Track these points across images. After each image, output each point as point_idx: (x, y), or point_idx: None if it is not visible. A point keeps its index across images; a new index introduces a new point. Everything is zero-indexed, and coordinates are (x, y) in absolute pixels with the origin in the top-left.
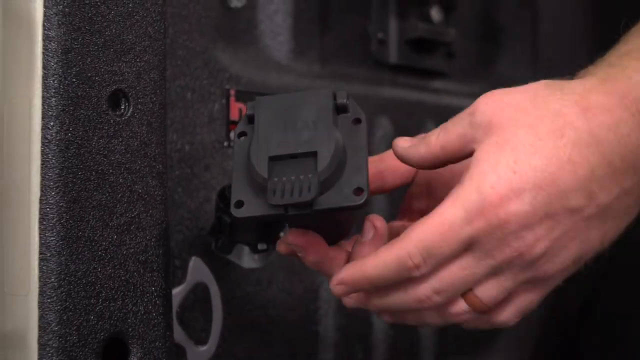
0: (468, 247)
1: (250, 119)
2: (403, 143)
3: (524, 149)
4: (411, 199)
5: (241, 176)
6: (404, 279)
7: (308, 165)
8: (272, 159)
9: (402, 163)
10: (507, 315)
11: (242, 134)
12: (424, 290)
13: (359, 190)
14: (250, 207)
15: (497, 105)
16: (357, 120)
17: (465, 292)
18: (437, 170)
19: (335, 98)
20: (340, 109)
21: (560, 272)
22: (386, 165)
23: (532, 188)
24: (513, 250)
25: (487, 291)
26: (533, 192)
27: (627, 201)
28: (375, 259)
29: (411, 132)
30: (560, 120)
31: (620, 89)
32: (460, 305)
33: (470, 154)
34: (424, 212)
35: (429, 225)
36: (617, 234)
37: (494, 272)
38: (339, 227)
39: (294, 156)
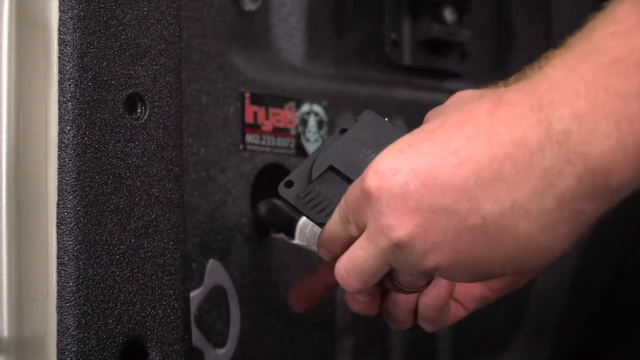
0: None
1: (353, 125)
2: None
3: (420, 135)
4: None
5: (308, 163)
6: (346, 235)
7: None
8: (331, 169)
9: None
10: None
11: (343, 130)
12: (342, 263)
13: None
14: (291, 193)
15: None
16: None
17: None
18: None
19: None
20: None
21: (448, 274)
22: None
23: (408, 171)
24: (382, 231)
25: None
26: (407, 175)
27: (529, 228)
28: (328, 222)
29: None
30: (468, 115)
31: (531, 84)
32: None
33: None
34: None
35: (350, 187)
36: (525, 267)
37: (383, 258)
38: None
39: (346, 178)
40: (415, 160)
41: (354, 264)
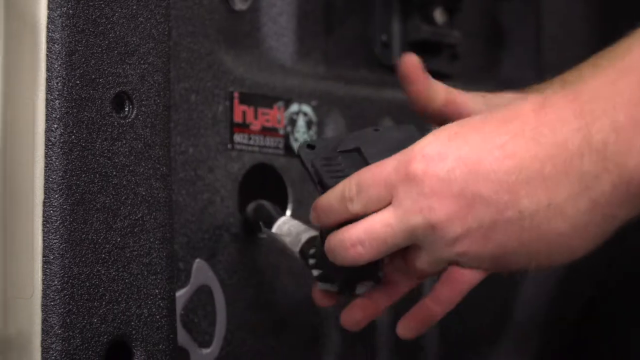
0: (392, 200)
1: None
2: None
3: (468, 126)
4: None
5: (336, 139)
6: (344, 212)
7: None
8: (358, 152)
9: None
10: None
11: (377, 129)
12: (354, 234)
13: None
14: (309, 156)
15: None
16: None
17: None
18: None
19: None
20: None
21: (473, 261)
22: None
23: (456, 158)
24: (421, 211)
25: (415, 260)
26: (454, 162)
27: (562, 219)
28: (329, 190)
29: None
30: (514, 112)
31: (574, 92)
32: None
33: None
34: None
35: (370, 167)
36: (549, 263)
37: (410, 237)
38: None
39: (366, 162)
40: (463, 148)
41: (371, 237)
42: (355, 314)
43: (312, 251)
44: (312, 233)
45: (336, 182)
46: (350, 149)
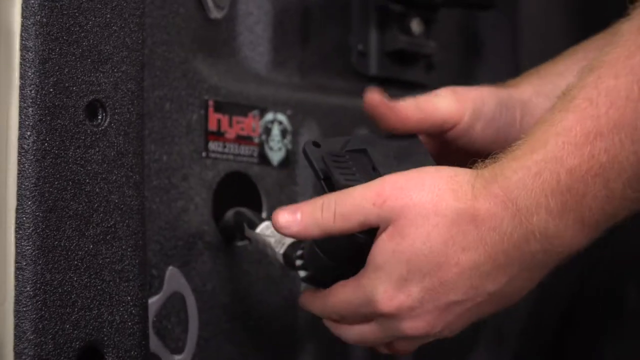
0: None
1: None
2: (289, 223)
3: (417, 259)
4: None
5: (344, 140)
6: None
7: (373, 179)
8: (365, 153)
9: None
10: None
11: (390, 136)
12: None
13: None
14: (315, 154)
15: (405, 204)
16: None
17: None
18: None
19: None
20: None
21: (456, 332)
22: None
23: (421, 290)
24: (404, 332)
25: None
26: (421, 293)
27: (519, 282)
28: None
29: None
30: (454, 229)
31: (502, 190)
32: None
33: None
34: None
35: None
36: (516, 300)
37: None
38: None
39: (375, 169)
40: (425, 280)
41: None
42: None
43: (299, 252)
44: (285, 245)
45: (346, 180)
46: (358, 149)
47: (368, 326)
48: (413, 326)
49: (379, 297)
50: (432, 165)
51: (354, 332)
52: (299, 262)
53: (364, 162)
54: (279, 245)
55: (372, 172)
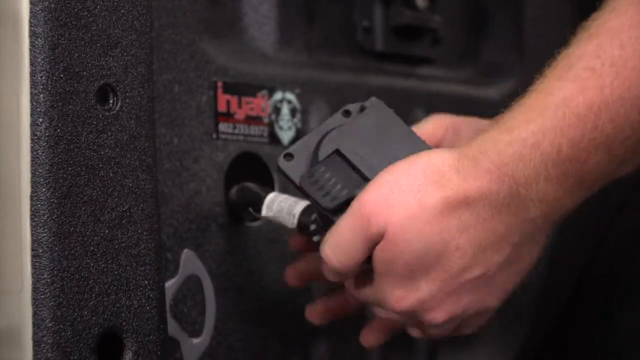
0: None
1: (361, 109)
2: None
3: (416, 257)
4: None
5: (310, 140)
6: None
7: (354, 182)
8: (338, 154)
9: None
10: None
11: (347, 111)
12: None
13: None
14: (293, 169)
15: (389, 213)
16: None
17: None
18: None
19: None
20: None
21: (485, 308)
22: None
23: (427, 282)
24: (428, 322)
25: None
26: (428, 285)
27: (525, 248)
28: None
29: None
30: (446, 217)
31: (495, 165)
32: None
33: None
34: None
35: None
36: (533, 264)
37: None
38: None
39: (353, 167)
40: (430, 273)
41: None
42: (319, 309)
43: (313, 217)
44: (303, 203)
45: (331, 201)
46: (330, 154)
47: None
48: (433, 317)
49: (390, 300)
50: (409, 132)
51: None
52: (312, 227)
53: (341, 167)
54: (290, 219)
55: (353, 174)
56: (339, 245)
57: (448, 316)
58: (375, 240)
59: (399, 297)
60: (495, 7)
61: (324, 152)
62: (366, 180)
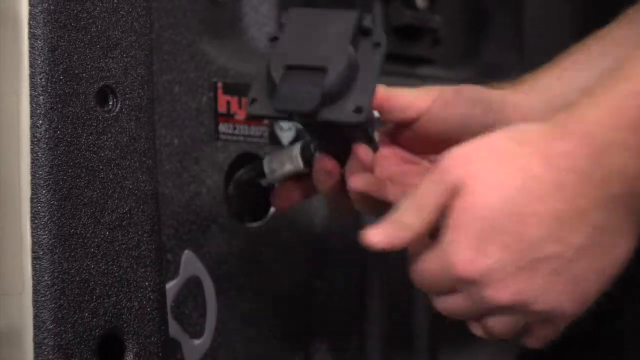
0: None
1: (282, 27)
2: (380, 237)
3: (491, 212)
4: (412, 134)
5: (262, 78)
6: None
7: (317, 79)
8: (288, 67)
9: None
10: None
11: (274, 38)
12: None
13: (359, 110)
14: (262, 107)
15: (466, 166)
16: (377, 45)
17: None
18: (446, 125)
19: (360, 20)
20: (364, 32)
21: (558, 310)
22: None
23: (499, 248)
24: (490, 301)
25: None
26: (500, 252)
27: (607, 237)
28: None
29: None
30: (524, 174)
31: (577, 130)
32: None
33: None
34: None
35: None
36: (617, 266)
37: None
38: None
39: (308, 67)
40: (502, 237)
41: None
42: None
43: (312, 148)
44: (296, 147)
45: (310, 102)
46: (283, 73)
47: (454, 297)
48: (496, 292)
49: (458, 261)
50: (333, 13)
51: (444, 303)
52: (317, 155)
53: (298, 75)
54: (293, 160)
55: (312, 73)
56: (413, 197)
57: (513, 298)
58: (451, 193)
59: (467, 259)
60: (495, 7)
61: (277, 74)
62: (324, 70)
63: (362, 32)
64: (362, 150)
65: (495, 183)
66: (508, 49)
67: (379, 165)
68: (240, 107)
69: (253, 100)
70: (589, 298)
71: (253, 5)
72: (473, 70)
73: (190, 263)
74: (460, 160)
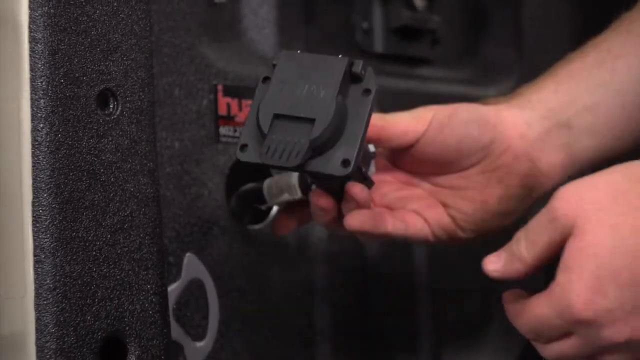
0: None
1: (274, 68)
2: (496, 266)
3: (606, 252)
4: (410, 157)
5: (252, 121)
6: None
7: (305, 130)
8: (276, 117)
9: (406, 126)
10: None
11: (266, 79)
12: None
13: (346, 162)
14: (252, 155)
15: (579, 206)
16: (367, 91)
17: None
18: (443, 147)
19: (351, 67)
20: (354, 78)
21: None
22: (390, 122)
23: (616, 287)
24: (609, 341)
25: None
26: (617, 291)
27: None
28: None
29: None
30: (637, 216)
31: None
32: None
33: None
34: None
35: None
36: None
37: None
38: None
39: (296, 118)
40: (620, 277)
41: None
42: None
43: (309, 181)
44: (294, 176)
45: (295, 158)
46: (272, 120)
47: (568, 341)
48: (615, 332)
49: (575, 302)
50: (324, 60)
51: (553, 350)
52: (313, 187)
53: (286, 125)
54: (292, 189)
55: (300, 125)
56: (528, 231)
57: (630, 335)
58: (563, 233)
59: (585, 299)
60: (494, 6)
61: (265, 124)
62: (312, 121)
63: (352, 78)
64: (356, 190)
65: (610, 223)
66: (507, 49)
67: (378, 190)
68: (240, 109)
69: (243, 146)
70: None
71: (252, 7)
72: (472, 70)
73: (192, 265)
74: (573, 200)
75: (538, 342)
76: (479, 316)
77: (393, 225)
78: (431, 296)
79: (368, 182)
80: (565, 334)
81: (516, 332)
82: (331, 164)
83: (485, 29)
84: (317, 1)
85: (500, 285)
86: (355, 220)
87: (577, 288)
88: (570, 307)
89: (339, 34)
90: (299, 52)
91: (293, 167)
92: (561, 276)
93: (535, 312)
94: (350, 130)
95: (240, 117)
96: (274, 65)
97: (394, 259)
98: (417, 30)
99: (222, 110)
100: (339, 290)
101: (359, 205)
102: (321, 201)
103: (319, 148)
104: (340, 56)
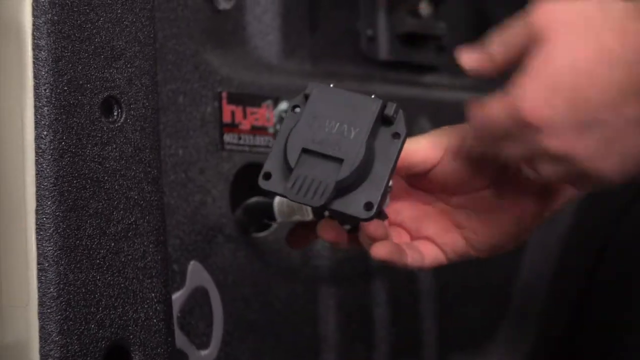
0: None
1: (305, 99)
2: (469, 60)
3: (565, 67)
4: (425, 179)
5: (278, 150)
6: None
7: (332, 169)
8: (305, 151)
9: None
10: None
11: (295, 107)
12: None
13: (369, 206)
14: (275, 184)
15: (553, 19)
16: (397, 135)
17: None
18: (458, 172)
19: (383, 109)
20: (385, 120)
21: (598, 173)
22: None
23: (565, 102)
24: (545, 148)
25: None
26: (565, 106)
27: None
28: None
29: None
30: (601, 45)
31: None
32: None
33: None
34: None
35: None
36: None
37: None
38: None
39: (324, 155)
40: (572, 92)
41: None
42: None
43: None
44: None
45: (321, 197)
46: (300, 155)
47: (510, 142)
48: (554, 143)
49: (524, 105)
50: (358, 99)
51: (497, 147)
52: (326, 213)
53: (314, 162)
54: (304, 209)
55: (327, 163)
56: (501, 35)
57: (567, 150)
58: (533, 38)
59: (534, 105)
60: (499, 12)
61: (292, 158)
62: (340, 161)
63: (383, 120)
64: (371, 229)
65: (576, 41)
66: None
67: (391, 206)
68: (245, 117)
69: (266, 174)
70: (628, 171)
71: (256, 14)
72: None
73: (196, 273)
74: (549, 13)
75: (484, 140)
76: (483, 325)
77: (412, 257)
78: (436, 304)
79: (382, 216)
80: (509, 135)
81: (521, 339)
82: (354, 205)
83: (491, 35)
84: (321, 8)
85: (503, 294)
86: (381, 251)
87: (530, 92)
88: (519, 109)
89: (344, 41)
90: (331, 85)
91: (318, 206)
92: (518, 79)
93: (489, 110)
94: (376, 172)
95: (245, 125)
96: (305, 97)
97: (398, 267)
98: (422, 37)
99: (227, 118)
100: (343, 298)
101: (375, 239)
102: (329, 235)
103: (344, 189)
104: (373, 96)
